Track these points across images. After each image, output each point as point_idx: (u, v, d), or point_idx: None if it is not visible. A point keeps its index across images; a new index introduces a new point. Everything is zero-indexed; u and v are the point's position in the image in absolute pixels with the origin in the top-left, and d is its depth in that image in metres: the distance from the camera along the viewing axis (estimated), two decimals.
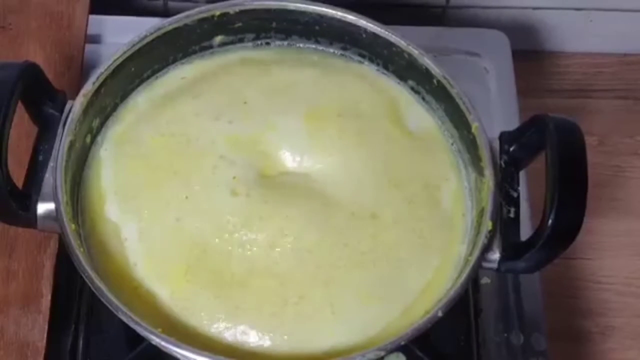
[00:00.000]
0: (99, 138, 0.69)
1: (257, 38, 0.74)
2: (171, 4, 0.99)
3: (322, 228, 0.64)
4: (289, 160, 0.68)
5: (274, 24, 0.73)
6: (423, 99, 0.72)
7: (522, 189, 0.67)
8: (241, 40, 0.74)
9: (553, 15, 1.02)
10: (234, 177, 0.66)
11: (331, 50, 0.74)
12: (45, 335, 0.69)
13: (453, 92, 0.68)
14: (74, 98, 0.66)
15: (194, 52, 0.73)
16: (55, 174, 0.63)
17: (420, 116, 0.71)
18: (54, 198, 0.62)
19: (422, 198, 0.67)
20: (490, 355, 0.75)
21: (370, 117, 0.70)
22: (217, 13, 0.71)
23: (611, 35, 1.04)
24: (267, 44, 0.74)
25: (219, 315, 0.62)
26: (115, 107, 0.70)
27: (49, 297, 0.70)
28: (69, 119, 0.65)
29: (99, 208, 0.66)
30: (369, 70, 0.73)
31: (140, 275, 0.63)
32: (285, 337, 0.61)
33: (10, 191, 0.62)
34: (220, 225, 0.64)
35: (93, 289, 0.60)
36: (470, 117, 0.67)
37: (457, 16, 1.02)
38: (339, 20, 0.71)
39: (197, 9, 0.71)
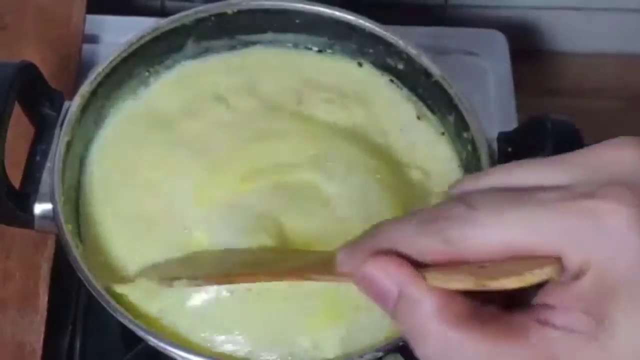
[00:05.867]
0: (96, 138, 0.69)
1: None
2: (169, 3, 0.99)
3: (319, 227, 0.63)
4: (287, 153, 0.67)
5: (271, 24, 0.73)
6: (421, 98, 0.72)
7: None
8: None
9: (552, 15, 1.02)
10: (228, 178, 0.65)
11: (328, 49, 0.74)
12: (42, 336, 0.69)
13: (451, 92, 0.68)
14: (71, 98, 0.66)
15: (192, 52, 0.73)
16: (52, 175, 0.63)
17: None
18: (51, 199, 0.62)
19: (421, 200, 0.66)
20: None
21: (367, 110, 0.70)
22: (215, 13, 0.71)
23: (611, 35, 1.04)
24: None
25: (206, 323, 0.60)
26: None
27: (46, 298, 0.70)
28: (66, 119, 0.65)
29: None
30: (367, 68, 0.73)
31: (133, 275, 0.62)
32: (277, 342, 0.60)
33: (7, 192, 0.61)
34: (215, 230, 0.62)
35: (90, 290, 0.60)
36: (468, 118, 0.67)
37: (455, 16, 1.01)
38: (337, 21, 0.71)
39: (194, 9, 0.71)
